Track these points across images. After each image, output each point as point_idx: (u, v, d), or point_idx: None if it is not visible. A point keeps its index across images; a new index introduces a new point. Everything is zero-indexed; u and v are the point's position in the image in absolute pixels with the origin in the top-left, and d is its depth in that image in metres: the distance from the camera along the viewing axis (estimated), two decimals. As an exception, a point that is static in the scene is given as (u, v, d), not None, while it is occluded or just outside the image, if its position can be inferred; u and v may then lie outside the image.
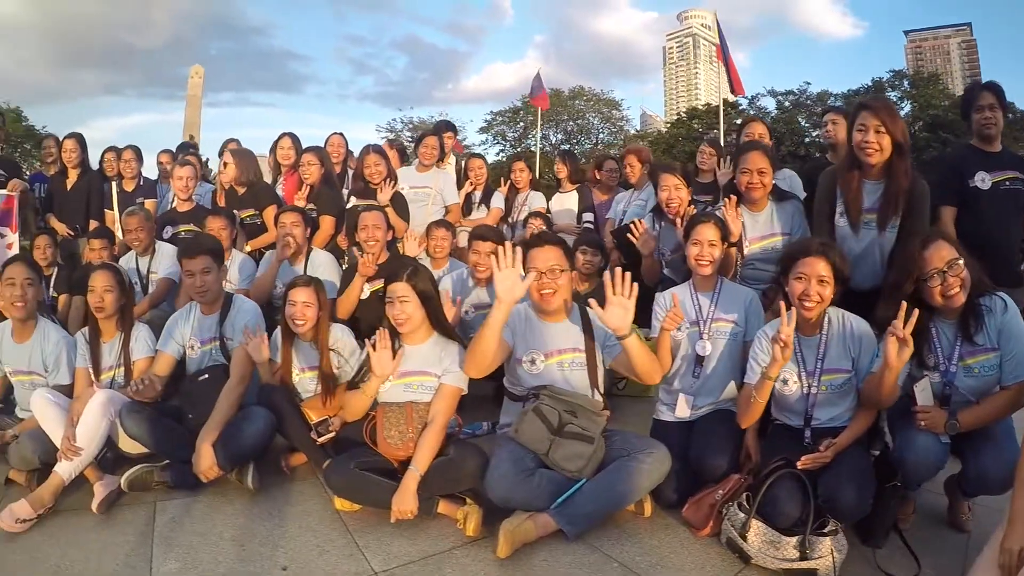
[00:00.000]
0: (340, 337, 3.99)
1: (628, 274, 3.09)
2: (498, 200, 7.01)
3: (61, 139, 6.89)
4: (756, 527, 2.90)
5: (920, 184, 3.64)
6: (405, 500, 3.11)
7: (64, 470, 3.43)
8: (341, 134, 7.20)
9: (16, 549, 3.11)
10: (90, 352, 3.97)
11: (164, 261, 5.44)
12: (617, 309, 3.05)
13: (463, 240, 5.96)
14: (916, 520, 3.26)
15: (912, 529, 3.15)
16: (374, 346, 3.32)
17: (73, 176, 6.73)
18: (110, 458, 3.76)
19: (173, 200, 6.66)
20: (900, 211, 3.61)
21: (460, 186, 7.01)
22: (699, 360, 3.71)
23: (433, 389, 3.43)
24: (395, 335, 3.46)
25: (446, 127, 8.37)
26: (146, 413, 3.63)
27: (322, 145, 6.62)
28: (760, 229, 4.30)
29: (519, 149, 42.49)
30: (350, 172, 6.79)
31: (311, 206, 5.76)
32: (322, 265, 5.15)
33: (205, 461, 3.45)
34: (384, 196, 5.77)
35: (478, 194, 7.03)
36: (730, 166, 4.98)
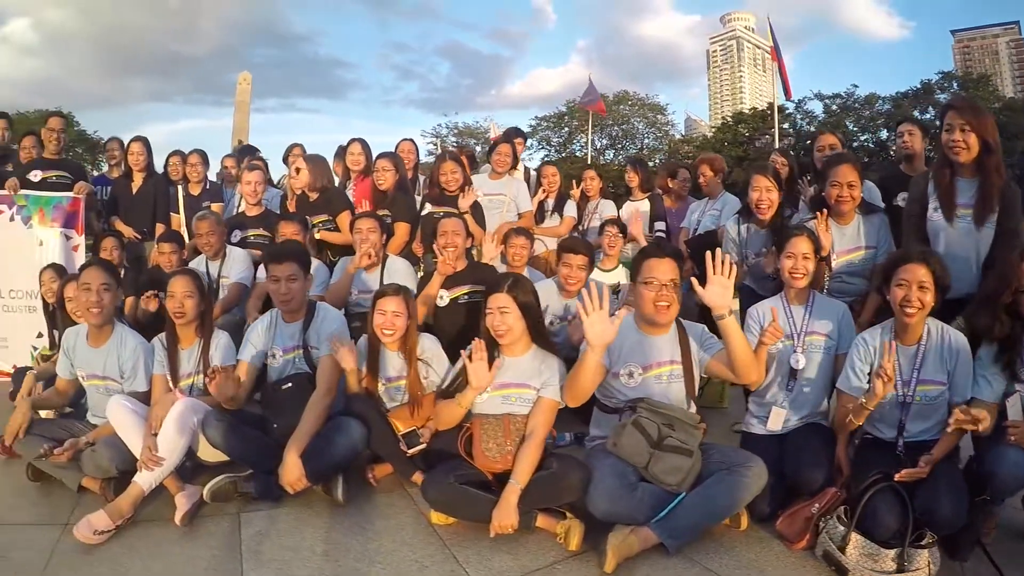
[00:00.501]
0: (428, 347, 3.91)
1: (728, 255, 3.19)
2: (571, 208, 6.86)
3: (126, 142, 6.84)
4: (856, 540, 2.89)
5: (1012, 185, 3.67)
6: (507, 514, 3.05)
7: (144, 480, 3.35)
8: (411, 140, 7.16)
9: (94, 562, 3.02)
10: (168, 359, 3.89)
11: (236, 266, 5.38)
12: (717, 287, 3.10)
13: (538, 248, 5.95)
14: (996, 534, 3.21)
15: (994, 543, 3.11)
16: (470, 356, 3.30)
17: (139, 179, 6.65)
18: (188, 467, 3.68)
19: (240, 204, 6.63)
20: (996, 208, 3.59)
21: None
22: (792, 373, 3.67)
23: (530, 401, 3.40)
24: (493, 346, 3.42)
25: (516, 133, 8.26)
26: (230, 422, 3.55)
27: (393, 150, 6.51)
28: (847, 242, 4.24)
29: (563, 154, 42.15)
30: (421, 178, 6.81)
31: (385, 212, 5.68)
32: (398, 272, 5.04)
33: (293, 472, 3.37)
34: (464, 203, 5.69)
35: (550, 202, 6.88)
36: (807, 181, 5.09)
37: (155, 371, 3.88)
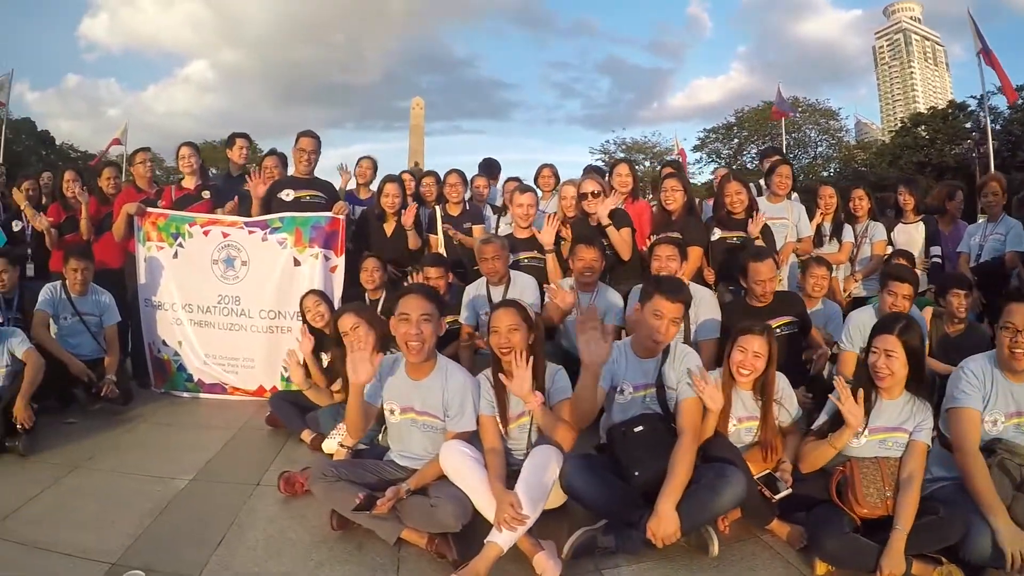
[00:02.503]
0: (783, 387, 3.83)
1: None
2: (848, 234, 6.51)
3: (381, 183, 6.80)
4: None
5: None
6: (896, 562, 3.00)
7: (504, 540, 3.12)
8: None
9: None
10: (496, 398, 3.67)
11: (526, 292, 5.29)
12: None
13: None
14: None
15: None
16: (840, 398, 3.36)
17: (392, 221, 6.64)
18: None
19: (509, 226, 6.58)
20: None
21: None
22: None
23: (903, 446, 3.39)
24: (870, 388, 3.44)
25: (772, 151, 7.94)
26: (595, 470, 3.43)
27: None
28: None
29: (734, 166, 41.00)
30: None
31: (676, 234, 5.52)
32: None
33: (670, 526, 3.16)
34: (755, 228, 5.60)
35: (827, 225, 6.54)
36: None
37: (482, 411, 3.65)
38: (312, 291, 5.56)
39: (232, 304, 6.18)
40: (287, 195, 6.35)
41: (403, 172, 8.31)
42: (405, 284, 5.81)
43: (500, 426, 3.63)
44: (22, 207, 6.92)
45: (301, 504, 3.94)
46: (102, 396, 5.58)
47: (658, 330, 3.70)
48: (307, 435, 4.93)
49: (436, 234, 6.78)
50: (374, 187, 7.40)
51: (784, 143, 43.60)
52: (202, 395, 6.28)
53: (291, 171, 6.95)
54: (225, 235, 6.19)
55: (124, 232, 6.44)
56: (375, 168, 7.84)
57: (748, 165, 42.56)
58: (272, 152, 7.20)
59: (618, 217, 5.80)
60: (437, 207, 6.93)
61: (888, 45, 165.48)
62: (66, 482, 4.28)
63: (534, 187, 6.78)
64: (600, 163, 44.56)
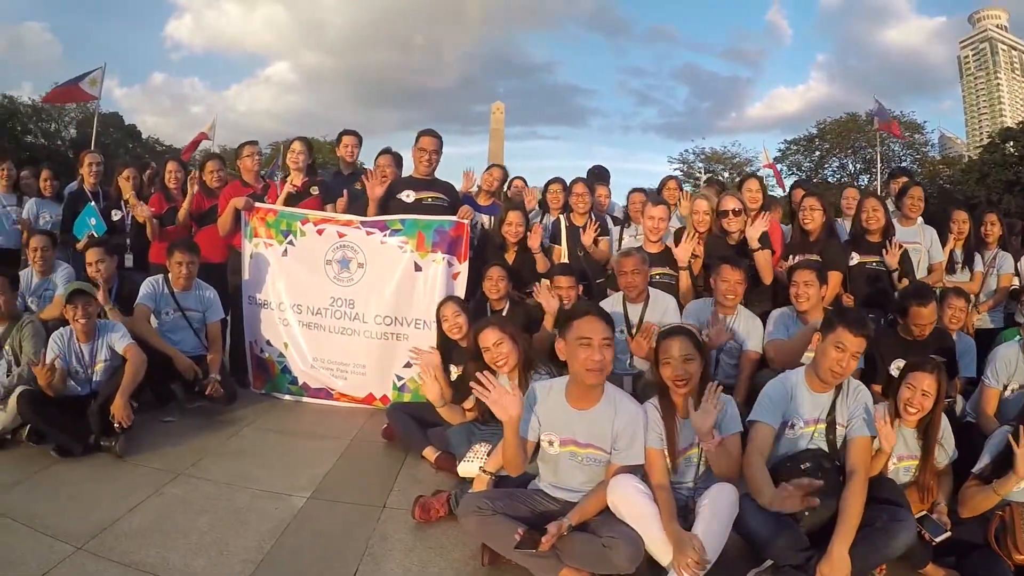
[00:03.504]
0: (944, 427, 3.78)
1: None
2: (979, 263, 6.29)
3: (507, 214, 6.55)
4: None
5: None
6: None
7: (684, 588, 2.95)
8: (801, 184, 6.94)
9: None
10: (665, 430, 3.45)
11: (668, 313, 5.15)
12: None
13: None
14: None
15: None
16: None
17: (513, 251, 6.39)
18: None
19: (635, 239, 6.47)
20: None
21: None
22: None
23: None
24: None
25: (900, 172, 7.70)
26: (774, 512, 3.24)
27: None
28: None
29: (815, 180, 40.16)
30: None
31: (815, 257, 5.41)
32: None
33: (843, 569, 3.05)
34: (892, 259, 5.63)
35: (959, 251, 6.32)
36: None
37: (651, 443, 3.43)
38: (451, 299, 5.37)
39: (345, 307, 6.00)
40: (407, 196, 6.16)
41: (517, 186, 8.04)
42: (528, 298, 5.79)
43: (668, 460, 3.44)
44: (126, 196, 6.84)
45: (437, 532, 3.78)
46: (207, 395, 5.48)
47: (839, 363, 3.48)
48: (430, 453, 4.74)
49: (560, 244, 6.58)
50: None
51: (868, 156, 42.74)
52: (305, 399, 6.15)
53: (405, 170, 6.87)
54: (341, 235, 6.03)
55: (230, 227, 6.35)
56: (504, 178, 7.57)
57: (829, 179, 41.73)
58: (386, 151, 7.00)
59: (761, 238, 5.64)
60: (561, 216, 6.73)
61: (974, 55, 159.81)
62: (169, 491, 4.14)
63: (664, 200, 6.53)
64: (678, 173, 44.67)
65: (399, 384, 5.96)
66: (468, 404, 4.69)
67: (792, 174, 44.26)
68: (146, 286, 5.75)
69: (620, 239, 6.80)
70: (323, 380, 6.10)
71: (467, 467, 4.25)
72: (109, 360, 5.01)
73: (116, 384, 4.78)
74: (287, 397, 6.17)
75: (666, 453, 3.43)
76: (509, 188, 7.91)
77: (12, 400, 4.61)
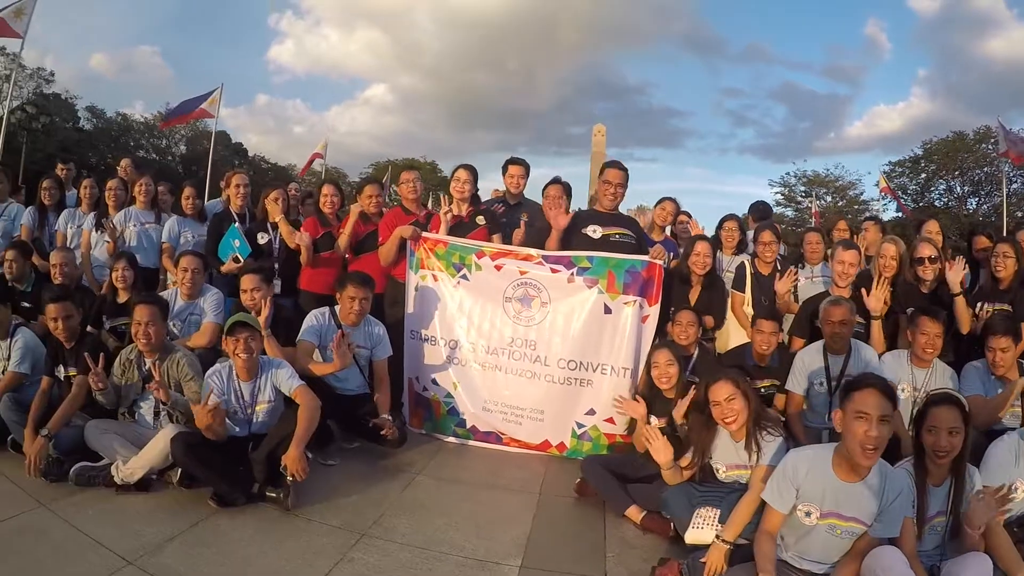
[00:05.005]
0: None
1: None
2: None
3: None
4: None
5: None
6: None
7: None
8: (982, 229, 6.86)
9: None
10: (918, 497, 3.46)
11: (872, 367, 4.93)
12: None
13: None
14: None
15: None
16: None
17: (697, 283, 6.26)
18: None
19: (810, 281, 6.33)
20: None
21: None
22: None
23: None
24: None
25: None
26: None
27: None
28: None
29: (920, 204, 38.88)
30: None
31: (1006, 307, 5.52)
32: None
33: None
34: None
35: None
36: None
37: (906, 513, 3.40)
38: (665, 345, 5.15)
39: (526, 348, 5.76)
40: (594, 232, 5.91)
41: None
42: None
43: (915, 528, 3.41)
44: (274, 219, 6.68)
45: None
46: (382, 435, 5.23)
47: None
48: (635, 513, 4.47)
49: (743, 291, 6.33)
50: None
51: (976, 178, 41.26)
52: (471, 443, 5.90)
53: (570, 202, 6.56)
54: (523, 272, 5.79)
55: (394, 257, 6.17)
56: (677, 211, 7.41)
57: (936, 203, 40.29)
58: (556, 180, 6.69)
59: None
60: (746, 260, 6.48)
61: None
62: (359, 558, 3.83)
63: (855, 244, 6.29)
64: (779, 196, 43.81)
65: (579, 432, 5.69)
66: (684, 462, 4.37)
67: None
68: (311, 319, 5.54)
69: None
70: (494, 424, 5.85)
71: (697, 534, 3.97)
72: (273, 401, 4.76)
73: (285, 430, 4.45)
74: (450, 439, 5.94)
75: (914, 522, 3.39)
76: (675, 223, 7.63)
77: (161, 441, 4.43)
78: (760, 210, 8.16)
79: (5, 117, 15.97)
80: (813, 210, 27.60)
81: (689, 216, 7.95)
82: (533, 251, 5.83)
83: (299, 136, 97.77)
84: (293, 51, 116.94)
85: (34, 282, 6.43)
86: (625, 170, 5.99)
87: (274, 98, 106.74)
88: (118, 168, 8.89)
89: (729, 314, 6.37)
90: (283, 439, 4.42)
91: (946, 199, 41.65)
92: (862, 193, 44.81)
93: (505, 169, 6.97)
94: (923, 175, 42.81)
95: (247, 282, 5.57)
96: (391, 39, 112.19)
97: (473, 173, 6.46)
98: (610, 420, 5.62)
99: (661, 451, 4.35)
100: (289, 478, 4.31)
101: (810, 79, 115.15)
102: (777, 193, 46.20)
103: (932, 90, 79.03)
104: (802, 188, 44.50)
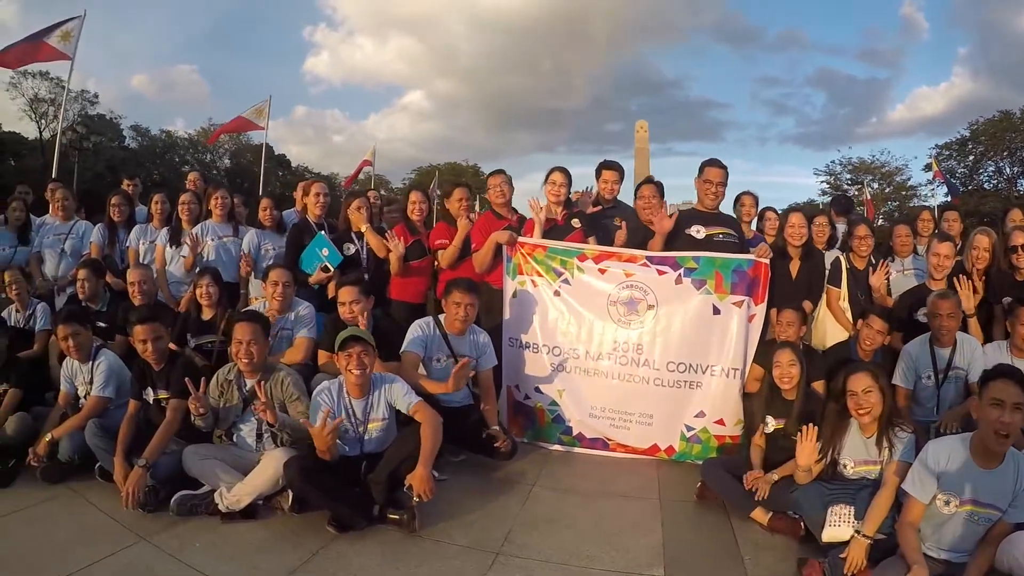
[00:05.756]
0: None
1: None
2: None
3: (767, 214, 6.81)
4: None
5: None
6: None
7: None
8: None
9: None
10: None
11: (977, 358, 5.05)
12: None
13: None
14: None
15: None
16: None
17: (797, 259, 6.23)
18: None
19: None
20: None
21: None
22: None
23: None
24: None
25: None
26: None
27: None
28: None
29: (969, 187, 38.16)
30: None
31: None
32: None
33: None
34: None
35: None
36: None
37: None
38: (789, 346, 5.03)
39: (632, 352, 5.70)
40: (698, 232, 5.84)
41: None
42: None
43: None
44: (358, 228, 6.60)
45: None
46: (496, 447, 5.16)
47: None
48: (760, 515, 4.43)
49: (839, 286, 6.22)
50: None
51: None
52: (576, 450, 5.86)
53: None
54: (628, 274, 5.74)
55: (489, 263, 6.13)
56: (757, 204, 7.43)
57: (985, 185, 39.52)
58: (649, 180, 6.66)
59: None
60: (841, 256, 6.40)
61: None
62: None
63: (951, 236, 6.30)
64: (825, 185, 43.21)
65: (688, 434, 5.64)
66: (812, 459, 4.30)
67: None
68: (416, 330, 5.41)
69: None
70: (600, 430, 5.80)
71: (834, 532, 3.99)
72: (387, 419, 4.61)
73: (406, 448, 4.32)
74: (555, 447, 5.90)
75: None
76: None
77: (271, 467, 4.35)
78: (843, 204, 8.08)
79: (58, 138, 16.27)
80: (865, 198, 27.08)
81: (776, 213, 7.75)
82: (637, 252, 5.79)
83: (339, 145, 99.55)
84: (328, 62, 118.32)
85: (109, 301, 6.44)
86: (725, 168, 5.92)
87: (312, 109, 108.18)
88: (186, 182, 8.91)
89: (825, 309, 6.29)
90: (405, 458, 4.30)
91: (995, 181, 40.92)
92: (909, 179, 44.39)
93: (598, 174, 6.90)
94: (971, 157, 42.09)
95: (346, 294, 5.45)
96: (425, 46, 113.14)
97: (568, 176, 6.38)
98: (720, 422, 5.59)
99: (808, 452, 4.26)
100: (416, 499, 4.14)
101: (848, 64, 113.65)
102: (823, 182, 46.12)
103: (974, 69, 77.52)
104: (848, 176, 44.13)
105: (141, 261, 7.05)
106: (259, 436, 4.70)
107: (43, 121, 46.27)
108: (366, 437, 4.58)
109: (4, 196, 8.54)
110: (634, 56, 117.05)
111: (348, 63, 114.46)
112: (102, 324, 6.04)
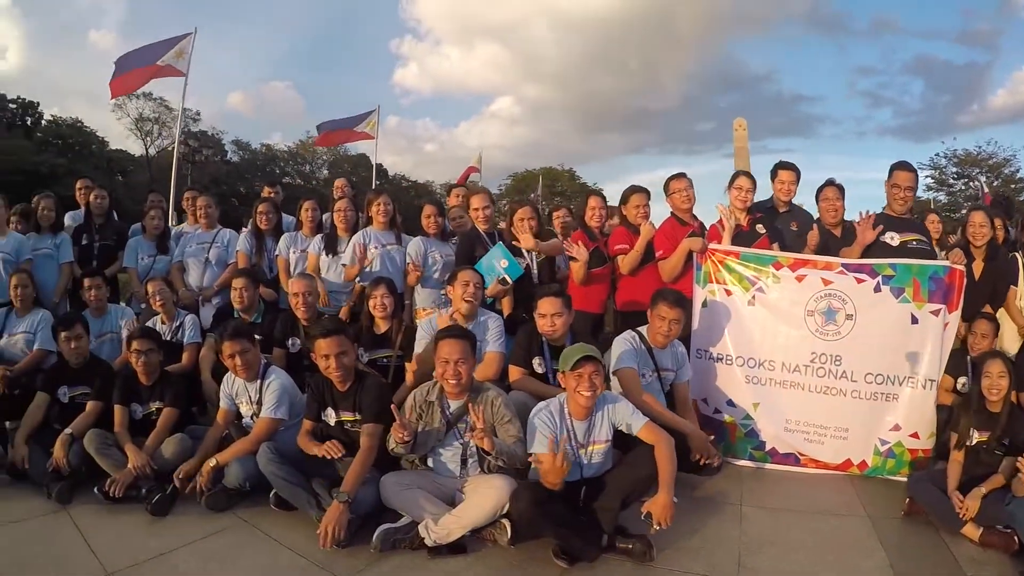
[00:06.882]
0: None
1: None
2: None
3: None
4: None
5: None
6: None
7: None
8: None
9: None
10: None
11: None
12: None
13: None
14: None
15: None
16: None
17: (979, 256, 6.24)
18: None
19: None
20: None
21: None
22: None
23: None
24: None
25: None
26: None
27: None
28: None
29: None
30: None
31: None
32: None
33: None
34: None
35: None
36: None
37: None
38: (999, 356, 4.98)
39: (831, 364, 5.65)
40: (891, 238, 5.83)
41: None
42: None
43: None
44: (532, 247, 6.35)
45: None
46: (702, 466, 4.90)
47: None
48: (971, 530, 4.38)
49: (1016, 285, 6.16)
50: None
51: None
52: (767, 466, 5.79)
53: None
54: (826, 282, 5.68)
55: (680, 271, 6.05)
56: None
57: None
58: (830, 182, 6.57)
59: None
60: (1019, 256, 6.31)
61: None
62: None
63: None
64: (930, 180, 41.75)
65: (882, 448, 5.57)
66: None
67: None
68: (624, 344, 5.23)
69: None
70: (792, 445, 5.75)
71: None
72: (609, 440, 4.38)
73: (638, 472, 4.15)
74: (745, 463, 5.84)
75: None
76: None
77: (491, 498, 4.11)
78: (1003, 204, 7.85)
79: (176, 150, 17.04)
80: (984, 191, 25.81)
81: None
82: (833, 259, 5.74)
83: (430, 153, 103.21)
84: (417, 73, 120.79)
85: (264, 312, 6.40)
86: (915, 171, 5.89)
87: (403, 119, 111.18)
88: (333, 189, 8.99)
89: (1000, 310, 6.19)
90: (637, 482, 4.16)
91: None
92: (1018, 170, 42.28)
93: (774, 174, 6.78)
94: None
95: (548, 306, 5.18)
96: (511, 52, 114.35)
97: (753, 181, 6.36)
98: (914, 435, 5.50)
99: None
100: (656, 527, 3.93)
101: (944, 48, 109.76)
102: (927, 176, 44.27)
103: (1077, 45, 73.87)
104: (954, 169, 42.91)
105: (292, 270, 7.00)
106: (463, 461, 4.50)
107: (148, 139, 51.37)
108: (586, 461, 4.34)
109: (117, 209, 8.67)
110: (721, 51, 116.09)
111: (436, 72, 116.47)
112: (258, 336, 5.63)
